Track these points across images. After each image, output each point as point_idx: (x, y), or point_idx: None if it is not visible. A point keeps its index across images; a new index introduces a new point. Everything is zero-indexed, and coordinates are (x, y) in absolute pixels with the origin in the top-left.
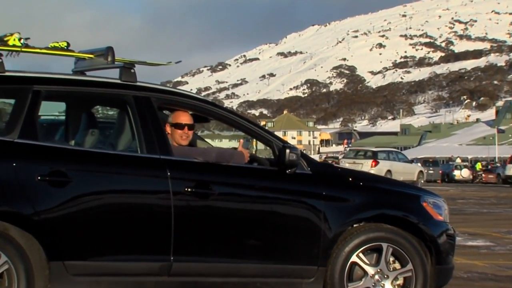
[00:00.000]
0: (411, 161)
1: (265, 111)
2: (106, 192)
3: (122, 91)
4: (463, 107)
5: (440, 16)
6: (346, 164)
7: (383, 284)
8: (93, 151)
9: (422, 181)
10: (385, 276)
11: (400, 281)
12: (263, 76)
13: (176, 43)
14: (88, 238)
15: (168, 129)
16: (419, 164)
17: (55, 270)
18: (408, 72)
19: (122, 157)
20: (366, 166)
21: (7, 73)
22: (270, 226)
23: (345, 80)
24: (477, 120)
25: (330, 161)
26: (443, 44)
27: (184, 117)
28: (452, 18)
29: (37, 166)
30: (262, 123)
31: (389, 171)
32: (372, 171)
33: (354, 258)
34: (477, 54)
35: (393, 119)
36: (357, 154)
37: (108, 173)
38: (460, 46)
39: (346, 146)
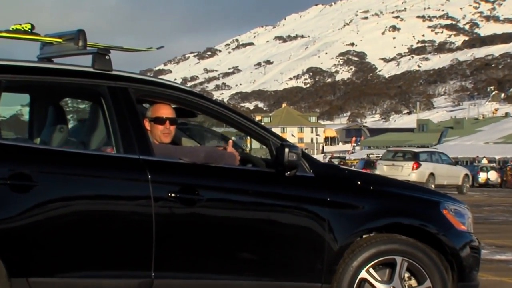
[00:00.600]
0: (456, 163)
1: (260, 104)
2: (77, 198)
3: (95, 81)
4: (489, 99)
5: None
6: (383, 167)
7: None
8: (61, 151)
9: (468, 185)
10: None
11: None
12: (259, 64)
13: (158, 26)
14: (56, 252)
15: (147, 124)
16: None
17: None
18: (426, 59)
19: (95, 158)
20: (406, 169)
21: None
22: (266, 237)
23: (353, 69)
24: (506, 115)
25: (336, 162)
26: (466, 27)
27: (165, 110)
28: None
29: None
30: (257, 118)
31: (432, 174)
32: (413, 175)
33: (363, 274)
34: (506, 38)
35: (409, 113)
36: (396, 155)
37: (79, 176)
38: (486, 29)
39: (354, 144)
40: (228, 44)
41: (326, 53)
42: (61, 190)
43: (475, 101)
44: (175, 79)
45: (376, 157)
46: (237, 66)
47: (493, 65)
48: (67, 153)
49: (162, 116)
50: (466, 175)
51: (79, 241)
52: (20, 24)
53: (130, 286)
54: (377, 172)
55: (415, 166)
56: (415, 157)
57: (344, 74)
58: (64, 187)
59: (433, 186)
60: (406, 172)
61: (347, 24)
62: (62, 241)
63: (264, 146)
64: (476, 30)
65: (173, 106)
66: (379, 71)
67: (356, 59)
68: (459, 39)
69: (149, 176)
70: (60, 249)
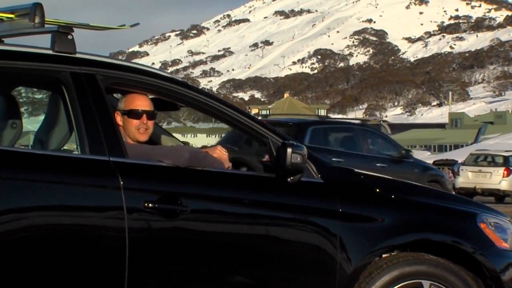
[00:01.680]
0: None
1: (257, 94)
2: (31, 209)
3: (55, 66)
4: None
5: None
6: (468, 173)
7: None
8: (13, 151)
9: None
10: None
11: None
12: (255, 45)
13: None
14: (4, 275)
15: (118, 119)
16: None
17: None
18: (461, 38)
19: (55, 159)
20: (496, 175)
21: None
22: (264, 257)
23: (371, 51)
24: None
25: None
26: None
27: (141, 102)
28: None
29: None
30: (254, 111)
31: None
32: (504, 183)
33: None
34: None
35: (439, 105)
36: (480, 159)
37: (35, 182)
38: None
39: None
40: (217, 21)
41: (337, 32)
42: (12, 199)
43: None
44: (153, 64)
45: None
46: (229, 48)
47: None
48: (19, 154)
49: (137, 109)
50: None
51: (33, 263)
52: None
53: None
54: (461, 180)
55: (506, 172)
56: (506, 162)
57: (360, 57)
58: (15, 195)
59: None
60: (495, 180)
61: None
62: (11, 262)
63: (262, 145)
64: None
65: (151, 96)
66: (403, 53)
67: (374, 39)
68: (501, 15)
69: (121, 182)
70: (8, 272)
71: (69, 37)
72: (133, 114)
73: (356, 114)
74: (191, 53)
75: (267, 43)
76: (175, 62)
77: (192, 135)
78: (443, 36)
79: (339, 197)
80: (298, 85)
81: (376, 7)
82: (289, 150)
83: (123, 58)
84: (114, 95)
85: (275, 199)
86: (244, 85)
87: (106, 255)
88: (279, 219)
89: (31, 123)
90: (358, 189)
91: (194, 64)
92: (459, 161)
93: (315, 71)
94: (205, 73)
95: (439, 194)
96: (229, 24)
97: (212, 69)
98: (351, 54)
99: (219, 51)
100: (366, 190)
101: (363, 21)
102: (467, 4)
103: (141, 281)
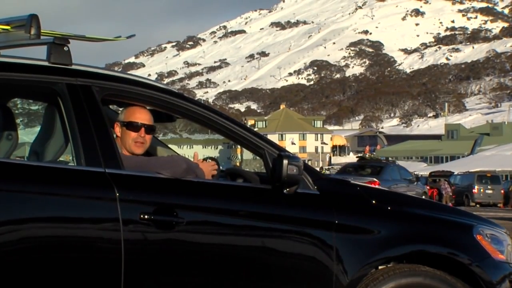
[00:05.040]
0: None
1: (254, 106)
2: (28, 220)
3: (51, 78)
4: None
5: None
6: None
7: None
8: (9, 162)
9: None
10: None
11: None
12: (251, 56)
13: (129, 10)
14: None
15: (117, 129)
16: None
17: None
18: (457, 50)
19: (51, 171)
20: None
21: None
22: (260, 269)
23: (367, 62)
24: None
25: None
26: (506, 11)
27: (142, 115)
28: None
29: None
30: (250, 122)
31: None
32: None
33: None
34: None
35: (435, 116)
36: None
37: (31, 194)
38: None
39: (369, 154)
40: (214, 32)
41: (334, 43)
42: (7, 211)
43: None
44: (149, 75)
45: None
46: (225, 59)
47: None
48: (15, 166)
49: (136, 121)
50: None
51: (28, 276)
52: None
53: None
54: None
55: None
56: None
57: (356, 68)
58: (10, 207)
59: None
60: None
61: (360, 7)
62: (5, 275)
63: (257, 157)
64: None
65: (148, 108)
66: (399, 65)
67: (370, 50)
68: (497, 26)
69: (117, 194)
70: (2, 286)
71: (65, 48)
72: (132, 126)
73: (352, 126)
74: (187, 64)
75: (263, 54)
76: (171, 73)
77: (188, 147)
78: (439, 47)
79: (335, 208)
80: (294, 96)
81: (372, 19)
82: (285, 161)
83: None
84: (111, 106)
85: (271, 210)
86: (240, 96)
87: (102, 266)
88: (275, 230)
89: (27, 135)
90: (354, 201)
91: (190, 75)
92: (456, 173)
93: (311, 82)
94: (201, 84)
95: (435, 205)
96: (225, 35)
97: (208, 80)
98: (347, 65)
99: (215, 62)
100: (362, 202)
101: (359, 33)
102: (463, 15)
103: None
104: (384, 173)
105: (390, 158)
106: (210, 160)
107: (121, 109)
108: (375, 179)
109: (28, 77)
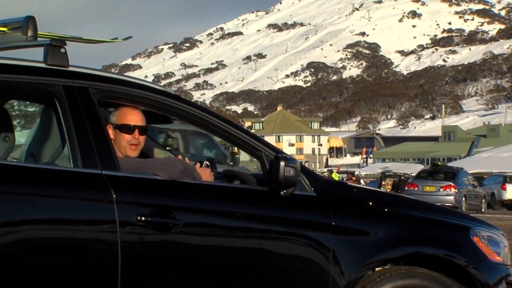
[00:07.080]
0: None
1: (250, 107)
2: (25, 222)
3: (48, 79)
4: None
5: None
6: None
7: None
8: (5, 164)
9: None
10: None
11: None
12: (248, 58)
13: (126, 12)
14: None
15: (110, 132)
16: None
17: None
18: (454, 52)
19: (47, 173)
20: None
21: None
22: (256, 271)
23: (364, 64)
24: None
25: (344, 179)
26: (502, 13)
27: (134, 116)
28: None
29: None
30: (247, 124)
31: None
32: None
33: None
34: None
35: (432, 118)
36: None
37: (27, 196)
38: None
39: (365, 156)
40: (210, 34)
41: (330, 45)
42: (3, 213)
43: None
44: (146, 76)
45: (395, 174)
46: (222, 61)
47: None
48: (12, 168)
49: (129, 124)
50: None
51: (24, 278)
52: None
53: None
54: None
55: None
56: None
57: (353, 70)
58: (8, 209)
59: None
60: None
61: (357, 9)
62: (2, 278)
63: (254, 159)
64: None
65: (142, 108)
66: (396, 66)
67: (367, 52)
68: (494, 28)
69: (114, 196)
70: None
71: (62, 50)
72: (125, 128)
73: (349, 127)
74: (184, 66)
75: (260, 56)
76: (168, 75)
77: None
78: (436, 49)
79: (332, 210)
80: (291, 98)
81: (369, 20)
82: (282, 163)
83: (116, 71)
84: (109, 109)
85: (268, 212)
86: (237, 98)
87: (98, 268)
88: (272, 232)
89: (24, 136)
90: (351, 203)
91: (187, 77)
92: None
93: (308, 84)
94: (198, 86)
95: (432, 207)
96: (222, 37)
97: (205, 82)
98: (344, 67)
99: (212, 64)
100: (359, 204)
101: (356, 34)
102: (460, 17)
103: None
104: (458, 177)
105: (386, 160)
106: (207, 162)
107: (111, 110)
108: (451, 183)
109: (25, 78)
